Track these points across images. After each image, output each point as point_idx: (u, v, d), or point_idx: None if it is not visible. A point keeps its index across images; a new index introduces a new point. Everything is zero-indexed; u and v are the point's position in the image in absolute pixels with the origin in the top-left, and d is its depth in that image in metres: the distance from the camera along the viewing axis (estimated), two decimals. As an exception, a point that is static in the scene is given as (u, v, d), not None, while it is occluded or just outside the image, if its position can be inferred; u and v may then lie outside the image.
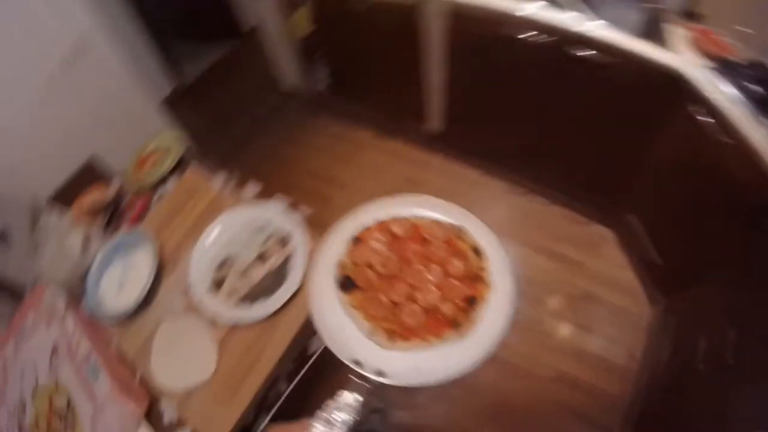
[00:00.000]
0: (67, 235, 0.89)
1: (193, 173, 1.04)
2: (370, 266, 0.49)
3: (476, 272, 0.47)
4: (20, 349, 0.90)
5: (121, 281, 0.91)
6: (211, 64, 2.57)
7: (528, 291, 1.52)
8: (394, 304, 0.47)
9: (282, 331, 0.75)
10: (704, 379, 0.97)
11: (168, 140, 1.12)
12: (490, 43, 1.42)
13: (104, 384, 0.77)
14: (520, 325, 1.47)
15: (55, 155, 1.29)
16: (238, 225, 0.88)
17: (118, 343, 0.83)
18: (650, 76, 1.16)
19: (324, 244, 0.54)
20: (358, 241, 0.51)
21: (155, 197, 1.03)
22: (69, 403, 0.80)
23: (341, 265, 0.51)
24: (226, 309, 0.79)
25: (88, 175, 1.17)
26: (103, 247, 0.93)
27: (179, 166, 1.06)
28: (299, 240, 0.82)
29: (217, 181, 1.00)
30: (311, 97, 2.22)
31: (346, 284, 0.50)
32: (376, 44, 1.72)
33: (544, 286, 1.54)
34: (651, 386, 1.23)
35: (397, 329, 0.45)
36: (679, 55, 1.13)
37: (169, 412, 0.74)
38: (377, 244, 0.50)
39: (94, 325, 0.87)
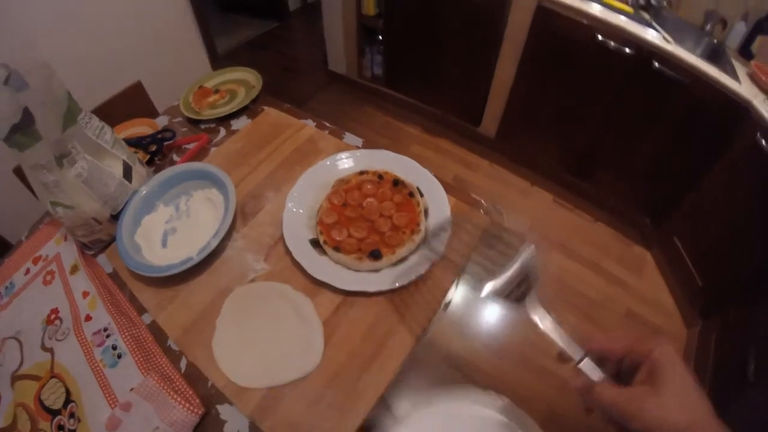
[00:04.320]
0: (105, 154, 0.57)
1: (276, 111, 0.76)
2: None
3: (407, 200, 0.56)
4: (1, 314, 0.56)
5: (167, 231, 0.60)
6: (245, 41, 2.32)
7: (578, 305, 1.35)
8: (370, 221, 0.54)
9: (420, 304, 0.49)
10: (757, 390, 0.89)
11: (241, 74, 0.83)
12: (571, 46, 1.27)
13: (128, 373, 0.46)
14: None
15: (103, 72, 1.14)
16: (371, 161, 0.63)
17: (154, 316, 0.51)
18: (722, 103, 1.10)
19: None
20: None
21: (218, 136, 0.74)
22: (68, 397, 0.47)
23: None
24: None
25: (134, 99, 0.84)
26: (151, 180, 0.62)
27: (255, 102, 0.78)
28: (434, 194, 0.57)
29: (309, 123, 0.73)
30: (359, 83, 1.97)
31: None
32: (447, 35, 1.52)
33: (592, 302, 1.36)
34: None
35: (379, 241, 0.51)
36: (745, 87, 1.10)
37: (235, 422, 0.43)
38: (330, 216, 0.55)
39: (118, 287, 0.55)
